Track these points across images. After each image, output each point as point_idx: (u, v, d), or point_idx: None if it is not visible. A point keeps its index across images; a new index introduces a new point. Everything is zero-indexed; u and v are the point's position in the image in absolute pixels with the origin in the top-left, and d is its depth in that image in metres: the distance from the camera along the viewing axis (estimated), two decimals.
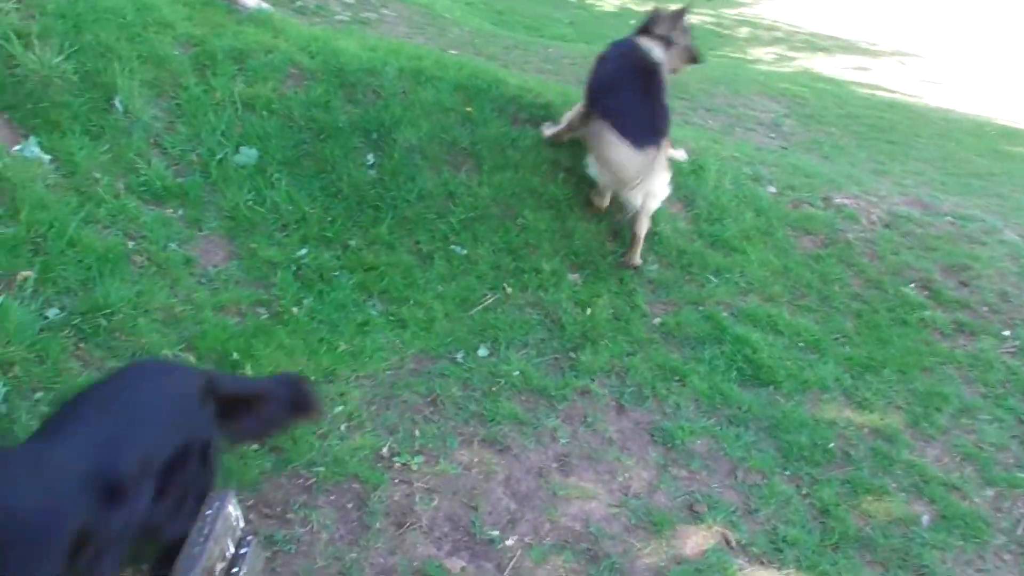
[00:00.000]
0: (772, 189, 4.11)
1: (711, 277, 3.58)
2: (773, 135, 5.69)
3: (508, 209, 3.48)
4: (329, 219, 3.41)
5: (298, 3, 6.07)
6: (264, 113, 3.60)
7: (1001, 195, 5.33)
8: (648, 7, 4.04)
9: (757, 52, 9.93)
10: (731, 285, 3.55)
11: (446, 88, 3.92)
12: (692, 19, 3.97)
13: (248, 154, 3.49)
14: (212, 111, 3.61)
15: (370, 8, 6.73)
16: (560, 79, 5.30)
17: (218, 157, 3.50)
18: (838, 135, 5.99)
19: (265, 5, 4.69)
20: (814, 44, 10.73)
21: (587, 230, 3.57)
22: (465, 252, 3.38)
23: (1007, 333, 3.52)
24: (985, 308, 3.63)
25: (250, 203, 3.35)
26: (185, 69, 3.71)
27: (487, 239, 3.41)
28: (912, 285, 3.66)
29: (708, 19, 11.06)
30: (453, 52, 5.52)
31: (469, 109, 3.85)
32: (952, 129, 6.88)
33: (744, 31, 11.44)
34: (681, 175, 3.82)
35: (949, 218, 4.34)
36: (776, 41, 10.89)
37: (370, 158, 3.51)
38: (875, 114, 6.70)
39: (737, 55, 9.63)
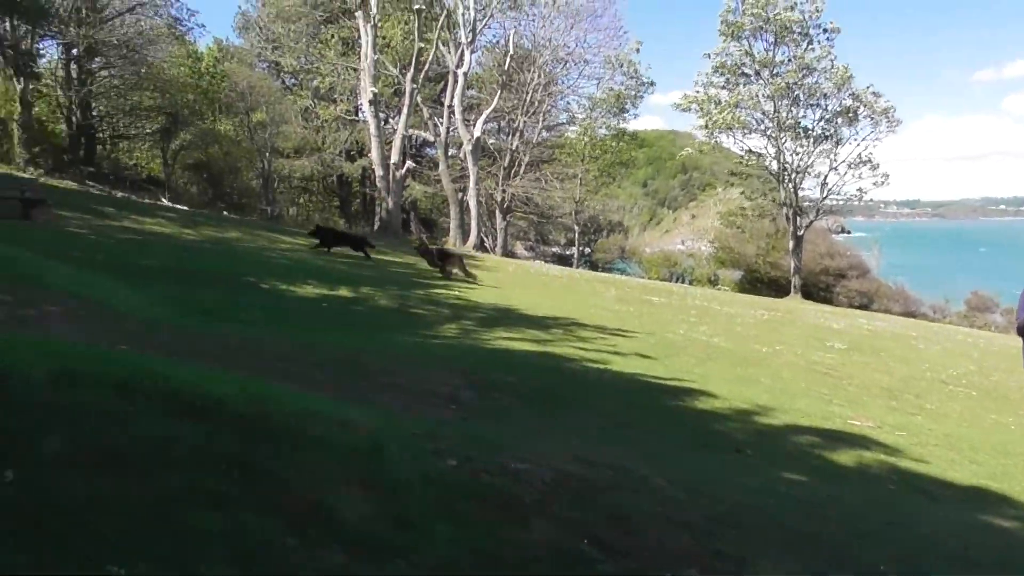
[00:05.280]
0: (452, 462, 4.06)
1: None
2: (454, 406, 5.88)
3: (172, 513, 2.96)
4: None
5: None
6: None
7: (649, 443, 5.65)
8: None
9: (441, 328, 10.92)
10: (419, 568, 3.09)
11: (103, 388, 3.67)
12: None
13: None
14: None
15: (31, 306, 6.64)
16: (236, 367, 5.39)
17: None
18: (509, 400, 6.38)
19: None
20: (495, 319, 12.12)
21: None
22: (123, 572, 2.68)
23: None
24: (647, 554, 3.54)
25: None
26: None
27: (147, 551, 2.78)
28: (586, 541, 3.52)
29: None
30: (122, 347, 5.40)
31: (130, 408, 3.54)
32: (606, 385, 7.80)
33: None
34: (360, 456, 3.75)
35: (608, 471, 4.44)
36: (459, 318, 12.21)
37: (8, 475, 2.90)
38: (543, 377, 7.47)
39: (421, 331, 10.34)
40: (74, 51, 30.84)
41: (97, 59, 32.08)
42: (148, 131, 35.55)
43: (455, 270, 18.07)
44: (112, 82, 33.03)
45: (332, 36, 37.28)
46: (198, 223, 21.41)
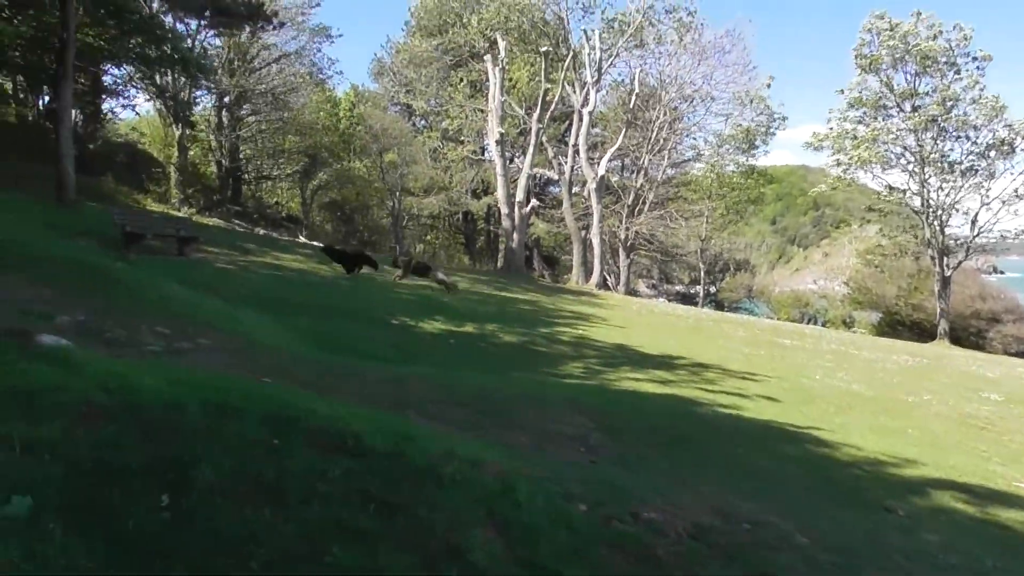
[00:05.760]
0: (583, 507, 3.99)
1: None
2: (583, 449, 5.79)
3: (315, 546, 3.06)
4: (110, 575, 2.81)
5: (107, 335, 6.28)
6: (47, 457, 3.21)
7: (787, 496, 5.58)
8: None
9: (566, 367, 10.97)
10: None
11: (252, 420, 3.85)
12: None
13: (20, 504, 2.96)
14: None
15: (185, 338, 7.08)
16: (374, 403, 5.48)
17: None
18: (638, 444, 6.36)
19: (64, 341, 4.64)
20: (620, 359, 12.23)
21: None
22: None
23: None
24: None
25: (17, 560, 2.70)
26: None
27: None
28: None
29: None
30: (267, 380, 5.60)
31: (276, 441, 3.72)
32: (739, 432, 7.67)
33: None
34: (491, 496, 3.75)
35: (747, 525, 4.25)
36: (583, 356, 12.23)
37: (164, 499, 3.10)
38: (672, 421, 7.53)
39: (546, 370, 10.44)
40: (226, 99, 33.35)
41: (245, 106, 34.59)
42: (288, 172, 37.85)
43: (433, 281, 19.59)
44: (259, 127, 35.54)
45: (461, 80, 38.68)
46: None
